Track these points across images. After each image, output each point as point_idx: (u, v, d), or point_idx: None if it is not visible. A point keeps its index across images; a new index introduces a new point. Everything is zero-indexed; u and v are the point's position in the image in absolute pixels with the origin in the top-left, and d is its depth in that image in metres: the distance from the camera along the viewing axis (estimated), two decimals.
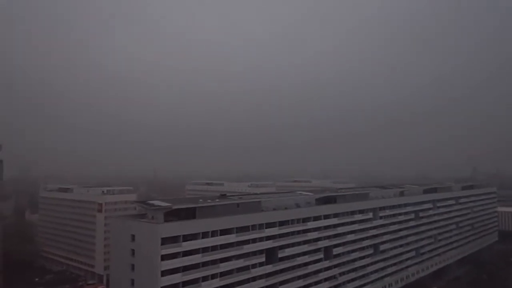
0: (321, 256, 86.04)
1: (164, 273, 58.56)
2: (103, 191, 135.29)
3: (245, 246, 70.09)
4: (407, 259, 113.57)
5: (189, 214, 65.48)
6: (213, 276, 64.88)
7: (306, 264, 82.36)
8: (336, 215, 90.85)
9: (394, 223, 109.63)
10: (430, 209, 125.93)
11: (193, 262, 62.34)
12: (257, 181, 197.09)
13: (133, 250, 61.94)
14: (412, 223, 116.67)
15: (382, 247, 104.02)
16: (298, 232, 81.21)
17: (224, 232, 67.13)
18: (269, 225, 75.26)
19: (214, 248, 65.11)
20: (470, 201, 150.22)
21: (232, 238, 68.04)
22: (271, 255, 75.25)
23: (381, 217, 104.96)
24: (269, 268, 74.47)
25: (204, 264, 63.90)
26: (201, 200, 71.02)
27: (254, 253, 72.13)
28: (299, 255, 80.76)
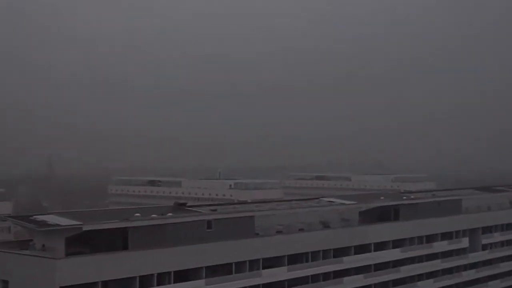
0: None
1: None
2: None
3: None
4: None
5: (115, 240, 62.55)
6: None
7: None
8: (399, 244, 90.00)
9: (508, 258, 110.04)
10: None
11: None
12: (247, 178, 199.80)
13: None
14: None
15: None
16: (326, 277, 79.23)
17: (184, 275, 64.58)
18: (270, 262, 72.94)
19: None
20: None
21: (199, 286, 65.68)
22: None
23: (485, 247, 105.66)
24: None
25: None
26: (137, 214, 68.04)
27: None
28: None
